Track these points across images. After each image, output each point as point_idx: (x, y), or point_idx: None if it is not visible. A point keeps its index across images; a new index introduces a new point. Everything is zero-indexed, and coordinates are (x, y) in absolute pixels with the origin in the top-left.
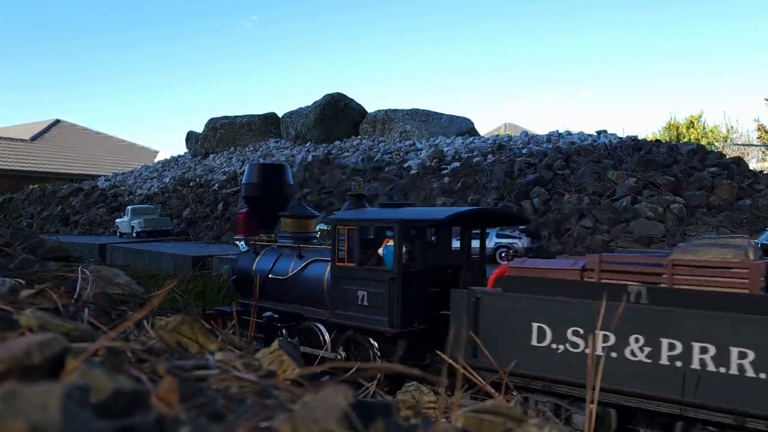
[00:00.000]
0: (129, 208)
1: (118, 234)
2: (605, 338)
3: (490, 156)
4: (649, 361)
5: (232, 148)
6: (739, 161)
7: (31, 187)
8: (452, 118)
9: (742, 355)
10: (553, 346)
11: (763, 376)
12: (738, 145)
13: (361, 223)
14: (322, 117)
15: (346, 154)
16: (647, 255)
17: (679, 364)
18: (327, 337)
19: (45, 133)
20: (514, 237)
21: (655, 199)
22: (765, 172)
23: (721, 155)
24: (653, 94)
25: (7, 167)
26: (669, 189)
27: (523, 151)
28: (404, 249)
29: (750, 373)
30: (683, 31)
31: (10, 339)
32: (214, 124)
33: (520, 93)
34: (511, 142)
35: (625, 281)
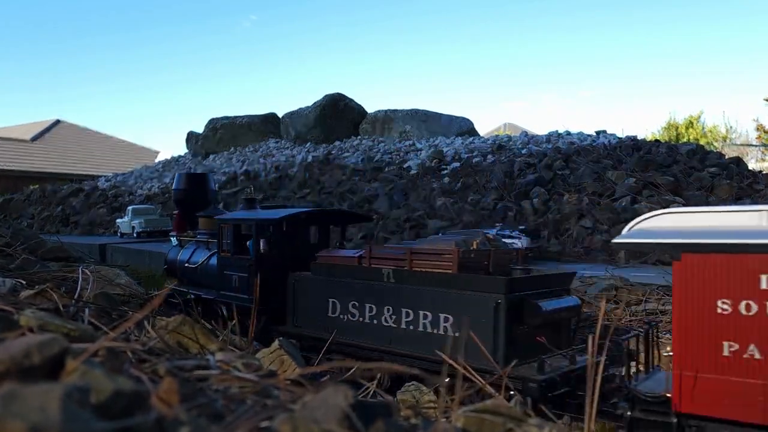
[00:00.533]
0: (129, 208)
1: (118, 234)
2: (370, 309)
3: (489, 156)
4: (395, 326)
5: (232, 149)
6: (738, 161)
7: (31, 187)
8: (452, 119)
9: (446, 320)
10: (341, 316)
11: (457, 334)
12: (737, 145)
13: (234, 222)
14: (322, 117)
15: (346, 154)
16: (406, 245)
17: (411, 327)
18: (225, 313)
19: (45, 134)
20: (513, 237)
21: (655, 199)
22: (764, 172)
23: (721, 155)
24: (653, 94)
25: (8, 167)
26: (668, 189)
27: (523, 152)
28: (262, 242)
29: (450, 332)
30: (683, 31)
31: (10, 339)
32: (214, 125)
33: (520, 93)
34: (511, 143)
35: (384, 266)
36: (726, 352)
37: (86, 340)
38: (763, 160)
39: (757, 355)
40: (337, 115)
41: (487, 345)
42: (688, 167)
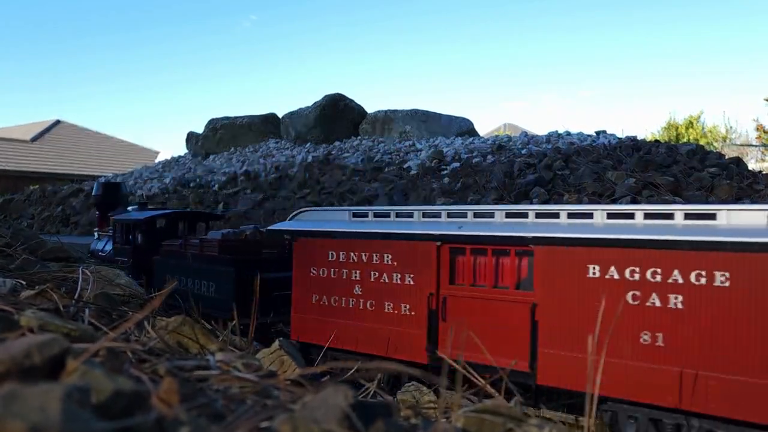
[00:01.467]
0: (130, 208)
1: None
2: (185, 280)
3: (489, 156)
4: (197, 291)
5: (232, 149)
6: (738, 161)
7: (31, 187)
8: (452, 119)
9: (212, 285)
10: (183, 287)
11: (216, 295)
12: (737, 145)
13: (121, 221)
14: (322, 117)
15: (346, 154)
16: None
17: (203, 291)
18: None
19: (45, 134)
20: None
21: (655, 200)
22: (764, 173)
23: (721, 155)
24: (653, 94)
25: (8, 168)
26: (668, 189)
27: (523, 152)
28: (139, 235)
29: (213, 294)
30: (683, 31)
31: (11, 340)
32: (214, 125)
33: (520, 93)
34: (511, 143)
35: (190, 251)
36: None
37: (86, 340)
38: (763, 160)
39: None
40: (337, 115)
41: (229, 303)
42: (688, 167)
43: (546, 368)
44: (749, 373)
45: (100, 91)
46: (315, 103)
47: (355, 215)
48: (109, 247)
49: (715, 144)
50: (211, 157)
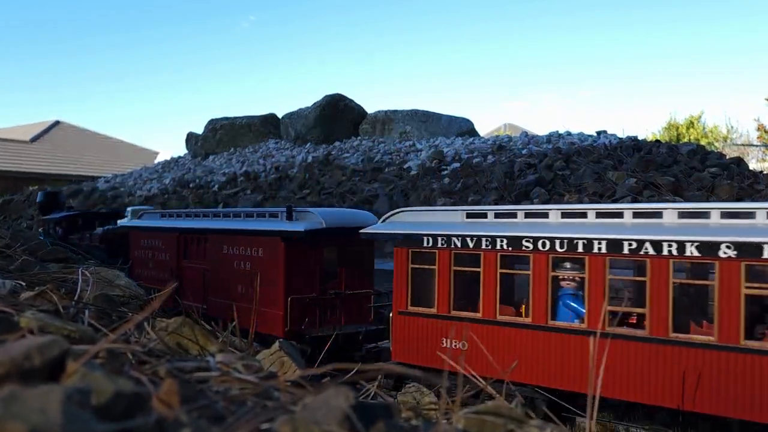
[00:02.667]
0: (129, 209)
1: None
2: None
3: (490, 156)
4: None
5: (232, 149)
6: (739, 161)
7: (30, 188)
8: (452, 119)
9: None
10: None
11: None
12: (738, 145)
13: (47, 220)
14: (322, 118)
15: (346, 154)
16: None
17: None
18: None
19: (45, 134)
20: None
21: (656, 200)
22: (765, 173)
23: (721, 155)
24: (653, 94)
25: (7, 168)
26: (669, 189)
27: (523, 152)
28: (59, 230)
29: None
30: (683, 31)
31: (11, 341)
32: (213, 125)
33: (520, 93)
34: (511, 143)
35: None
36: None
37: (86, 341)
38: (764, 160)
39: None
40: (337, 115)
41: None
42: (689, 167)
43: (210, 307)
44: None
45: (99, 91)
46: (315, 103)
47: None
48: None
49: (716, 144)
50: (211, 157)
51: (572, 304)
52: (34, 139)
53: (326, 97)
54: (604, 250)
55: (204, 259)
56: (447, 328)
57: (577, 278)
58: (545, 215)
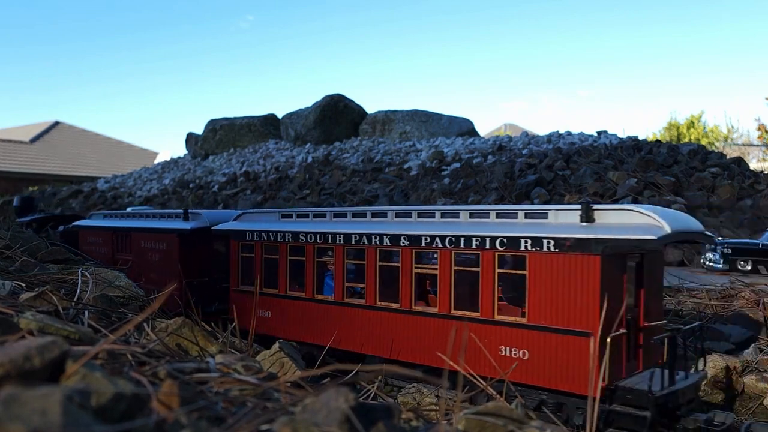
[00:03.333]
0: (129, 209)
1: None
2: None
3: (490, 157)
4: None
5: (231, 150)
6: (739, 161)
7: (30, 189)
8: (452, 119)
9: None
10: None
11: None
12: (739, 145)
13: (21, 223)
14: (322, 118)
15: (346, 155)
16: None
17: None
18: None
19: (44, 135)
20: None
21: (656, 200)
22: (766, 172)
23: (722, 155)
24: (653, 94)
25: (7, 169)
26: (670, 189)
27: (524, 152)
28: (30, 231)
29: None
30: (683, 31)
31: (10, 342)
32: (213, 126)
33: (519, 93)
34: (512, 143)
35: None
36: None
37: (86, 342)
38: (765, 159)
39: None
40: (336, 115)
41: None
42: (690, 167)
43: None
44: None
45: (99, 92)
46: (315, 103)
47: None
48: None
49: (717, 144)
50: (211, 157)
51: (329, 282)
52: (33, 140)
53: (326, 97)
54: (341, 242)
55: (130, 252)
56: (260, 301)
57: (331, 263)
58: (344, 215)
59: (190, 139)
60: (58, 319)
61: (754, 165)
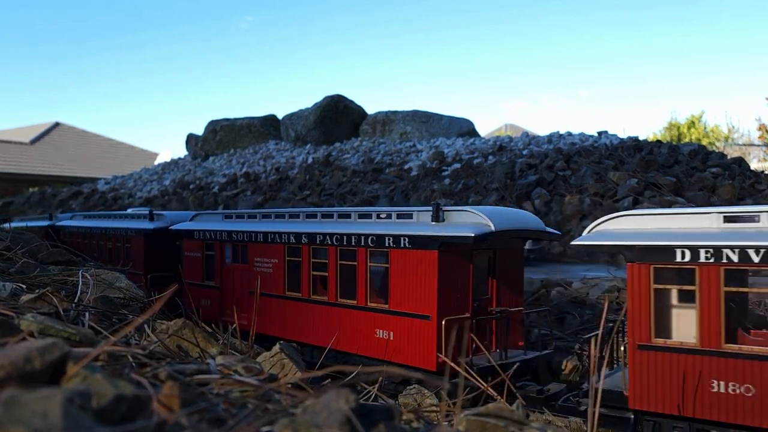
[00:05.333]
0: (129, 210)
1: None
2: None
3: (490, 157)
4: None
5: (232, 150)
6: (740, 161)
7: (30, 190)
8: (452, 120)
9: None
10: None
11: None
12: (739, 145)
13: None
14: (322, 119)
15: (346, 155)
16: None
17: None
18: None
19: (45, 136)
20: None
21: (657, 200)
22: (766, 173)
23: (723, 155)
24: (654, 94)
25: (7, 170)
26: (670, 189)
27: (524, 152)
28: None
29: None
30: (683, 31)
31: (11, 344)
32: (213, 127)
33: (519, 93)
34: (512, 143)
35: None
36: None
37: (87, 344)
38: (766, 159)
39: None
40: (337, 116)
41: None
42: (690, 167)
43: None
44: None
45: (99, 93)
46: (315, 104)
47: None
48: None
49: (717, 144)
50: (211, 158)
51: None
52: (34, 141)
53: (326, 98)
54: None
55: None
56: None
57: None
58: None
59: (191, 139)
60: (59, 320)
61: (754, 165)
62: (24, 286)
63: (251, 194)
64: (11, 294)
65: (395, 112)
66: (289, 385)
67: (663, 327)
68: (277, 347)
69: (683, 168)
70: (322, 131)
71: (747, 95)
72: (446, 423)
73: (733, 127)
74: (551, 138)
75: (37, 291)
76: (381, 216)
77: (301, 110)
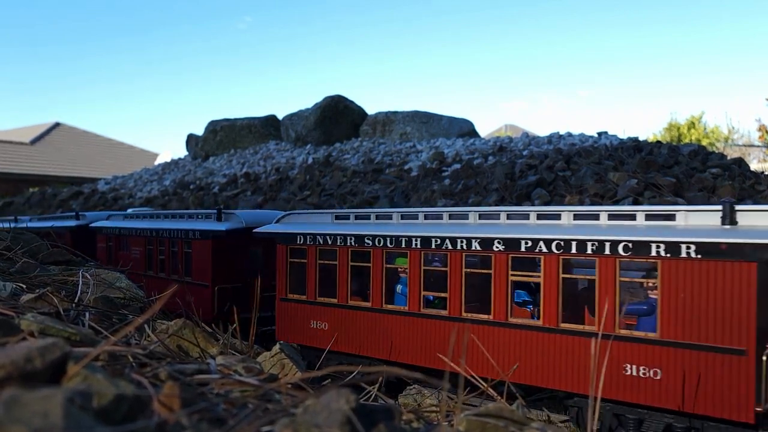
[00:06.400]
0: (130, 210)
1: None
2: None
3: (490, 157)
4: None
5: (232, 151)
6: (740, 162)
7: (30, 190)
8: (452, 120)
9: None
10: None
11: None
12: (739, 145)
13: None
14: (322, 119)
15: (346, 156)
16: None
17: None
18: None
19: (45, 136)
20: None
21: (657, 201)
22: (767, 173)
23: (723, 156)
24: (654, 95)
25: (7, 170)
26: (670, 190)
27: (524, 153)
28: None
29: None
30: (683, 31)
31: (12, 344)
32: (214, 127)
33: (519, 93)
34: (512, 144)
35: None
36: None
37: (87, 344)
38: (766, 160)
39: None
40: (337, 116)
41: None
42: (690, 168)
43: None
44: None
45: (99, 93)
46: (315, 104)
47: None
48: None
49: (717, 144)
50: (211, 159)
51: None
52: (34, 141)
53: (326, 98)
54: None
55: None
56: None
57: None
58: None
59: (191, 140)
60: (59, 320)
61: (754, 166)
62: (24, 286)
63: (251, 195)
64: (11, 294)
65: (395, 113)
66: (290, 385)
67: None
68: (276, 347)
69: (683, 168)
70: (322, 131)
71: (747, 96)
72: (446, 423)
73: (733, 127)
74: (551, 138)
75: (37, 291)
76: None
77: (301, 111)
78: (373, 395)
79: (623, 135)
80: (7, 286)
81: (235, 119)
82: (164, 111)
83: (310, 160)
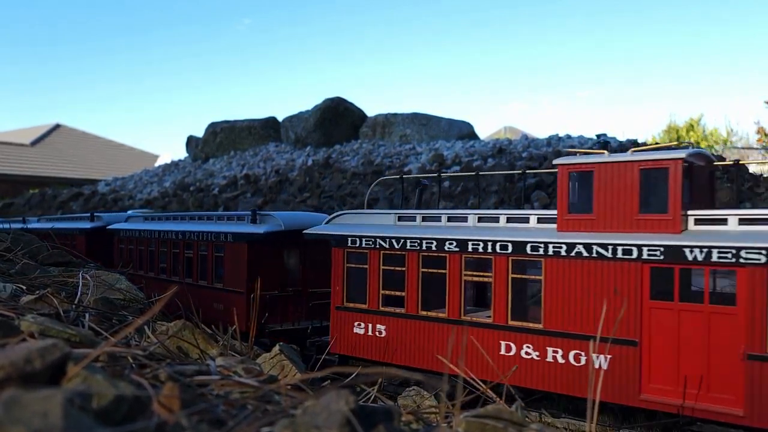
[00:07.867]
0: (129, 212)
1: None
2: None
3: (490, 159)
4: None
5: (232, 152)
6: (739, 164)
7: (31, 191)
8: (452, 122)
9: None
10: None
11: None
12: (738, 148)
13: None
14: (322, 121)
15: (346, 157)
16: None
17: None
18: None
19: (45, 138)
20: None
21: None
22: (765, 176)
23: (721, 158)
24: (653, 97)
25: (8, 172)
26: None
27: (524, 155)
28: None
29: None
30: (683, 32)
31: (11, 345)
32: (214, 129)
33: (519, 94)
34: (511, 146)
35: None
36: None
37: (87, 345)
38: (764, 163)
39: None
40: (337, 118)
41: None
42: None
43: None
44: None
45: (100, 95)
46: (315, 106)
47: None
48: None
49: (716, 147)
50: (211, 160)
51: None
52: (34, 143)
53: (326, 100)
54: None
55: None
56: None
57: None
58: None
59: (191, 141)
60: (59, 321)
61: (753, 168)
62: (24, 287)
63: (251, 196)
64: (12, 295)
65: (395, 115)
66: (289, 387)
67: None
68: (276, 348)
69: None
70: (322, 133)
71: (746, 98)
72: (445, 424)
73: (732, 130)
74: (550, 140)
75: (37, 292)
76: None
77: (301, 112)
78: (373, 396)
79: (622, 137)
80: (8, 288)
81: (235, 121)
82: (164, 112)
83: (309, 162)
